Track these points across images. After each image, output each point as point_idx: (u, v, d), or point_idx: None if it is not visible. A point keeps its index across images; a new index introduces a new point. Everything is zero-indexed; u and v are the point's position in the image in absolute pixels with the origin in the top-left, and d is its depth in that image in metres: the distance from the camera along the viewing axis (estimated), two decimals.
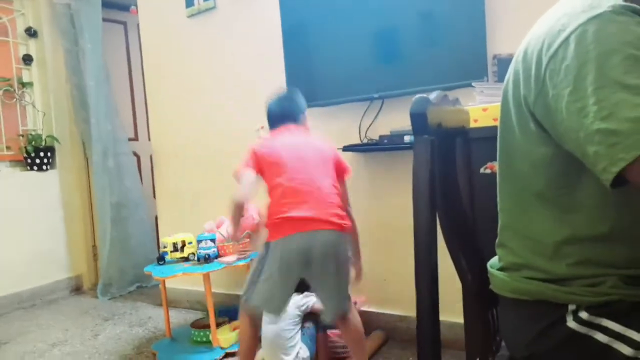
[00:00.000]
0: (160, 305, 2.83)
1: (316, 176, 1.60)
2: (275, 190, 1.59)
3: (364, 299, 2.17)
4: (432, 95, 0.82)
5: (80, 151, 3.46)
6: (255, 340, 1.69)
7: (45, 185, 3.25)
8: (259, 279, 1.60)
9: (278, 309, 1.62)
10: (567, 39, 0.61)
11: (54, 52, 3.31)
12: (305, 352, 1.89)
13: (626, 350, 0.64)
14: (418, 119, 0.76)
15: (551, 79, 0.62)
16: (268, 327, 1.83)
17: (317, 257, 1.53)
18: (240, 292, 2.60)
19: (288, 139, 1.68)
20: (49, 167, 3.25)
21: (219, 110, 2.66)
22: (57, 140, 3.28)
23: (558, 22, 0.64)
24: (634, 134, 0.54)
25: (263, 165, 1.63)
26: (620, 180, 0.57)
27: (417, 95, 0.79)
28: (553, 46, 0.63)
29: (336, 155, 1.70)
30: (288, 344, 1.83)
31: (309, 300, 1.96)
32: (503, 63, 1.76)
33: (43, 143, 3.21)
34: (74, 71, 3.27)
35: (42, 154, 3.19)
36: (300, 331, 1.91)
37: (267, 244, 1.59)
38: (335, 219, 1.56)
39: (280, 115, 1.75)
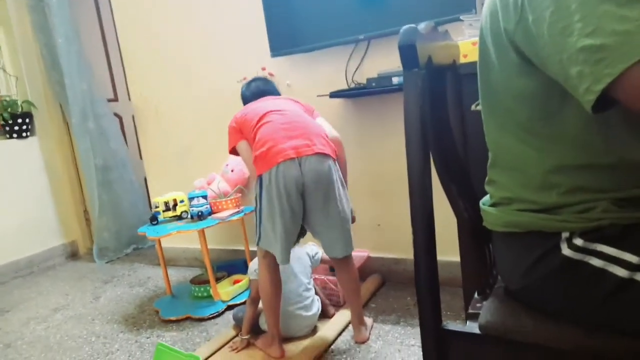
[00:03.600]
0: (158, 265, 2.86)
1: (296, 114, 1.66)
2: (259, 130, 1.61)
3: (367, 252, 2.21)
4: (421, 26, 0.77)
5: (59, 115, 3.35)
6: (277, 285, 1.63)
7: (27, 153, 3.16)
8: (262, 219, 1.59)
9: (284, 253, 1.55)
10: None
11: (18, 10, 3.11)
12: (318, 304, 1.82)
13: (621, 272, 0.65)
14: (407, 51, 0.71)
15: (530, 3, 0.60)
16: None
17: (309, 183, 1.53)
18: (236, 247, 2.66)
19: (261, 102, 1.73)
20: (28, 133, 3.15)
21: (199, 63, 2.55)
22: (33, 106, 3.15)
23: None
24: (621, 46, 0.51)
25: (244, 128, 1.67)
26: (603, 103, 0.55)
27: (405, 26, 0.74)
28: None
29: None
30: (304, 300, 1.74)
31: (319, 250, 1.89)
32: None
33: (19, 109, 3.09)
34: (41, 29, 3.08)
35: (19, 120, 3.08)
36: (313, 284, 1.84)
37: (259, 179, 1.58)
38: (322, 147, 1.56)
39: (256, 94, 1.82)
